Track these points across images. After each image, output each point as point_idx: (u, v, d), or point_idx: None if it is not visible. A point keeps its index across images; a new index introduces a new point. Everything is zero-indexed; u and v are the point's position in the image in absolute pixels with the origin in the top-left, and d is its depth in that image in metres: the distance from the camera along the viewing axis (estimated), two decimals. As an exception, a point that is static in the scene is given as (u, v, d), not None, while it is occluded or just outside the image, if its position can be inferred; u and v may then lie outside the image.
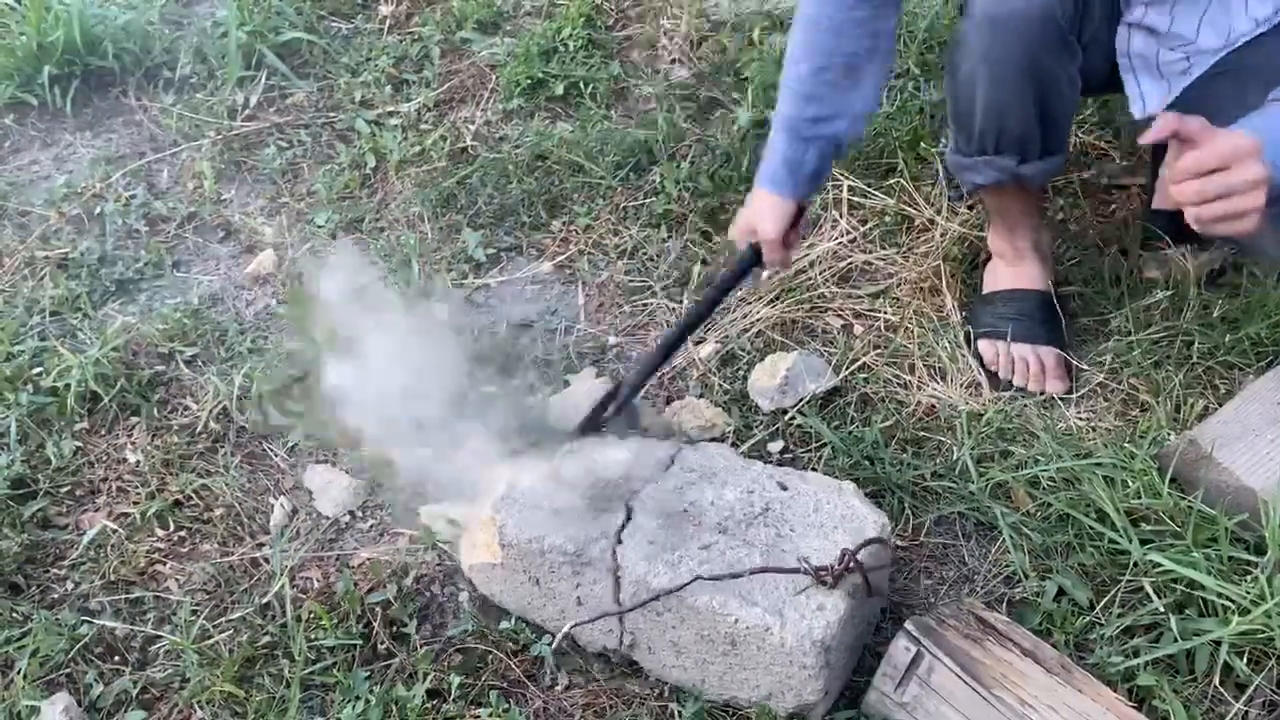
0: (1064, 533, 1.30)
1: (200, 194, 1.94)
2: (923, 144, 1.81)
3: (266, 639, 1.26)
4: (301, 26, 2.25)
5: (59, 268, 1.80)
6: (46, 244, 1.85)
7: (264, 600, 1.31)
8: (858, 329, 1.60)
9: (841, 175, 1.77)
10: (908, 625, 1.11)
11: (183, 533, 1.40)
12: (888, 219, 1.73)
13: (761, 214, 1.34)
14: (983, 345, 1.53)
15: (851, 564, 1.06)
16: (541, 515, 1.19)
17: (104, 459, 1.49)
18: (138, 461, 1.48)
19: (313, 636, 1.25)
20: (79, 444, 1.50)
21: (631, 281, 1.71)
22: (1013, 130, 1.37)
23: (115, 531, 1.40)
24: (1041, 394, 1.47)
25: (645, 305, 1.68)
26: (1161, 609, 1.18)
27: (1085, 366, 1.51)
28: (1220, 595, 1.16)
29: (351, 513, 1.42)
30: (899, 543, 1.32)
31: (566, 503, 1.20)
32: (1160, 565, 1.20)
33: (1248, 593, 1.15)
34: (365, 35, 2.29)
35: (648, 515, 1.19)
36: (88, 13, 2.17)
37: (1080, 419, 1.45)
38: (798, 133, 1.30)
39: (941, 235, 1.68)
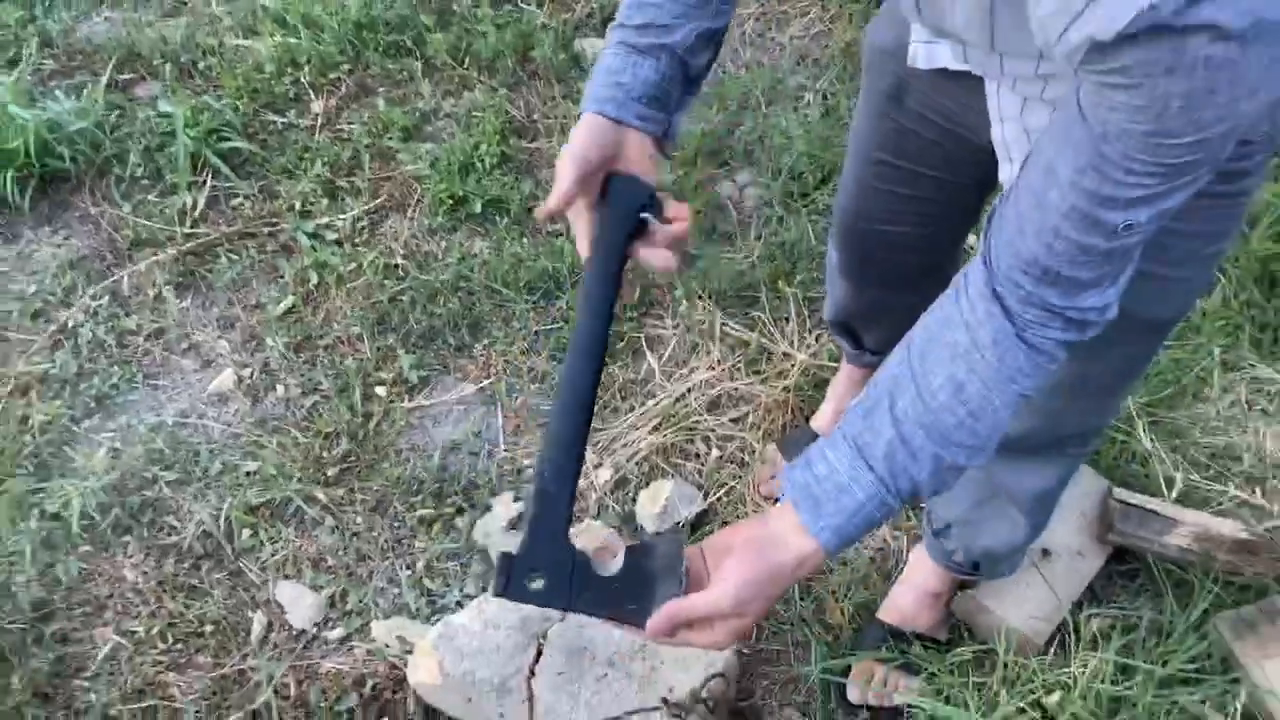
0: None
1: (161, 307, 2.22)
2: (780, 281, 2.19)
3: (259, 744, 1.64)
4: (239, 126, 2.49)
5: (40, 382, 2.07)
6: (29, 359, 2.11)
7: (254, 708, 1.67)
8: (721, 453, 1.99)
9: (715, 307, 2.14)
10: (743, 737, 1.53)
11: (180, 646, 1.75)
12: (751, 349, 2.11)
13: (574, 135, 1.09)
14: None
15: (701, 698, 1.47)
16: (471, 651, 1.57)
17: (106, 578, 1.81)
18: (136, 580, 1.81)
19: (296, 741, 1.63)
20: (84, 565, 1.82)
21: (544, 405, 2.07)
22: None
23: (124, 646, 1.73)
24: None
25: (552, 424, 2.04)
26: None
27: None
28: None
29: (317, 624, 1.78)
30: (744, 650, 1.74)
31: (491, 640, 1.58)
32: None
33: (978, 708, 1.59)
34: (298, 131, 2.54)
35: (555, 651, 1.57)
36: (43, 119, 2.39)
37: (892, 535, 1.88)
38: (625, 41, 1.12)
39: (792, 367, 2.08)
